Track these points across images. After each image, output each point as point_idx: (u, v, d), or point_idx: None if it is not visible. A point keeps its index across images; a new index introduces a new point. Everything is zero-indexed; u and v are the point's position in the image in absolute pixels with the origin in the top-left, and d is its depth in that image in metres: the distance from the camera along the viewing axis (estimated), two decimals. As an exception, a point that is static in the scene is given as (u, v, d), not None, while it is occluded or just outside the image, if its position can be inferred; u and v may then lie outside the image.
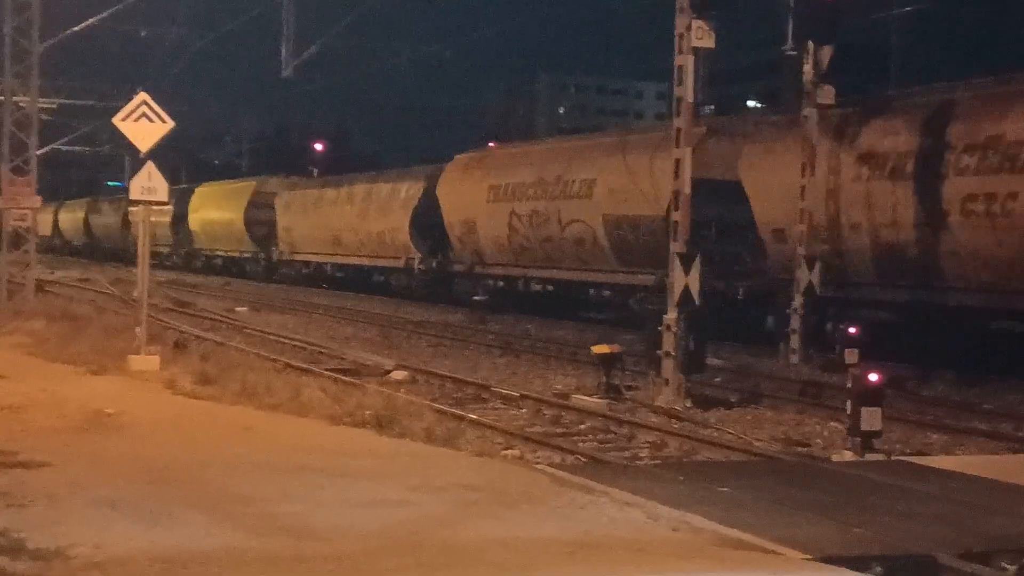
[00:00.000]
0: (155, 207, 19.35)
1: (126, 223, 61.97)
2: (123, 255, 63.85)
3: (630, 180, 28.54)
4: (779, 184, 24.21)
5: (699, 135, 23.20)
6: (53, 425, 12.14)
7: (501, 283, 35.49)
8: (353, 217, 45.01)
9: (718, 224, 25.84)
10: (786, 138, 24.75)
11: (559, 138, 38.68)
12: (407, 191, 41.69)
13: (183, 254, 63.51)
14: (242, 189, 57.35)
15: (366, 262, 44.78)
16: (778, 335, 23.61)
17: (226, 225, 56.59)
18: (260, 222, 53.46)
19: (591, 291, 31.88)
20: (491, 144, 46.32)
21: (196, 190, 61.92)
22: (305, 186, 53.52)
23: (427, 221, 39.23)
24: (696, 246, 17.26)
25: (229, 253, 58.28)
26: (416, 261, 40.38)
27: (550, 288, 33.47)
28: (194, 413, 13.42)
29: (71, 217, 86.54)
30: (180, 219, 59.00)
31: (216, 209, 58.28)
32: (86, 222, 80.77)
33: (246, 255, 56.20)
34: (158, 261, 55.26)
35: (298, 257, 51.08)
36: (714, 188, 23.22)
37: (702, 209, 19.01)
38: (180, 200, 57.64)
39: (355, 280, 46.09)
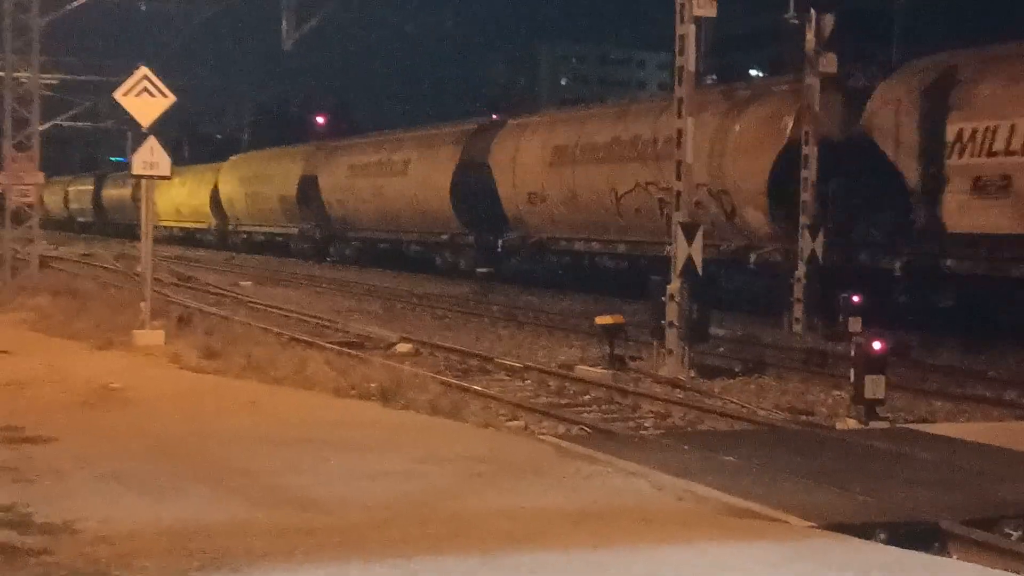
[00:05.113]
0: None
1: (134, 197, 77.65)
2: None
3: (291, 174, 51.36)
4: (519, 163, 35.48)
5: (470, 131, 39.54)
6: (59, 400, 12.16)
7: (246, 235, 58.26)
8: (185, 195, 64.75)
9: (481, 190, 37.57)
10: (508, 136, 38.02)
11: (284, 147, 59.57)
12: (206, 178, 62.34)
13: (98, 222, 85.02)
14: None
15: (192, 226, 66.15)
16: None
17: (120, 199, 75.86)
18: (140, 197, 66.87)
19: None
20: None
21: (108, 174, 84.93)
22: None
23: (219, 199, 60.50)
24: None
25: (124, 221, 74.69)
26: (214, 225, 61.98)
27: (262, 237, 56.24)
28: (199, 387, 13.43)
29: (115, 192, 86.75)
30: (97, 195, 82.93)
31: (115, 187, 78.85)
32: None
33: (135, 223, 66.96)
34: (84, 228, 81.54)
35: (160, 223, 67.19)
36: (477, 167, 37.02)
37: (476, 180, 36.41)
38: (98, 181, 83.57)
39: (188, 239, 65.69)
